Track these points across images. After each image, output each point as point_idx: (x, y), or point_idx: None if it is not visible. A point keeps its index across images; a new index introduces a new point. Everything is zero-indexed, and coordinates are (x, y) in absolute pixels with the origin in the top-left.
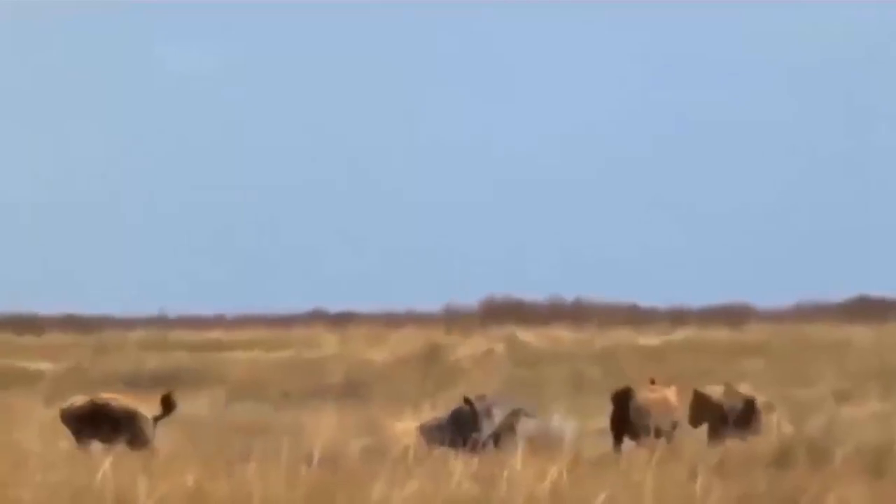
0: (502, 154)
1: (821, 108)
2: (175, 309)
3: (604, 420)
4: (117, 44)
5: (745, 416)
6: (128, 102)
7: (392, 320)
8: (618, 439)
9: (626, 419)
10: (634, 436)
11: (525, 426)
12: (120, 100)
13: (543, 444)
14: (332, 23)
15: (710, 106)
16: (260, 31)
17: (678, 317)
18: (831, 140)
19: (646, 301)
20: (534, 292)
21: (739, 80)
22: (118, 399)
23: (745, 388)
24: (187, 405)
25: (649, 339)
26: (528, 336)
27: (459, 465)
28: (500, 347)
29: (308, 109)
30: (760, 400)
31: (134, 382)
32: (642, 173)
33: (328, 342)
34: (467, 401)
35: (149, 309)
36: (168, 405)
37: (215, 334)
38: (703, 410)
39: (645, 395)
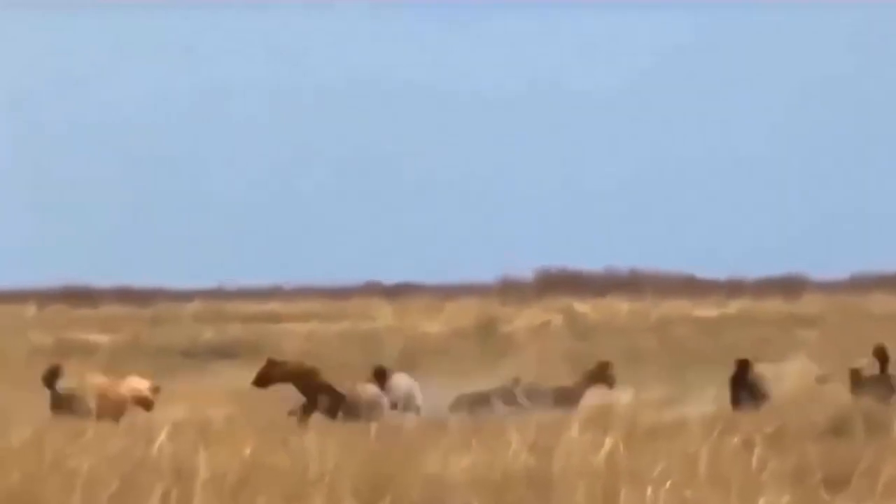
0: (552, 124)
1: (880, 76)
2: (232, 281)
3: (659, 390)
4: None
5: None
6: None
7: (447, 292)
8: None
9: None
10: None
11: None
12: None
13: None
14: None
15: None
16: None
17: (734, 288)
18: (889, 111)
19: (702, 272)
20: (589, 263)
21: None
22: None
23: (800, 360)
24: (243, 377)
25: (705, 310)
26: (584, 307)
27: (516, 436)
28: (556, 319)
29: (358, 84)
30: (816, 372)
31: (190, 354)
32: (701, 145)
33: (384, 314)
34: None
35: (206, 281)
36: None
37: (271, 306)
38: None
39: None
